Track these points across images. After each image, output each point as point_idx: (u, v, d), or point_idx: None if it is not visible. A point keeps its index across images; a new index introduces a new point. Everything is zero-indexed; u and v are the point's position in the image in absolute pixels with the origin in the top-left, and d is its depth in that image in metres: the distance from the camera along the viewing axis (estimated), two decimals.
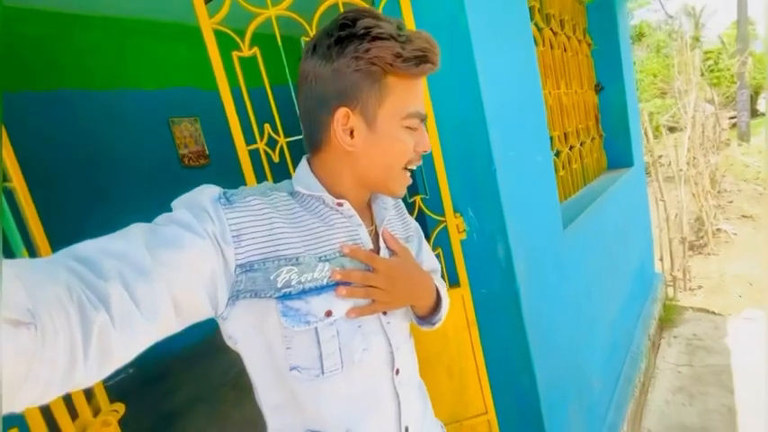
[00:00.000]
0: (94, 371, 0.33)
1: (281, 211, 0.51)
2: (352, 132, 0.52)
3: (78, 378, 0.32)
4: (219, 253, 0.45)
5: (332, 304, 0.51)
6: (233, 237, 0.46)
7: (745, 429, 1.95)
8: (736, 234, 4.50)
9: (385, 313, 0.58)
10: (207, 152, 4.14)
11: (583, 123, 2.43)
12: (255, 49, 1.10)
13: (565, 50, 2.21)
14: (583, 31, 2.55)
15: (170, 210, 0.46)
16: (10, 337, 0.26)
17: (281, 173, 1.29)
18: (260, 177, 1.13)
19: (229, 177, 3.53)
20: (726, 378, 2.33)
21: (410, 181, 0.58)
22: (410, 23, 1.11)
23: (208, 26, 1.05)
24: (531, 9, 1.86)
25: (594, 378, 1.74)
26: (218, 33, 1.06)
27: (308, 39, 1.10)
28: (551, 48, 2.00)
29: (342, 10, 1.11)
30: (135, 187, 3.43)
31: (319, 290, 0.50)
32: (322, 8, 1.11)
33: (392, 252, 0.61)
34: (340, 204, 0.55)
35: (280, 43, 1.12)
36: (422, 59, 0.49)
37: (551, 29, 2.02)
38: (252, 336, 0.51)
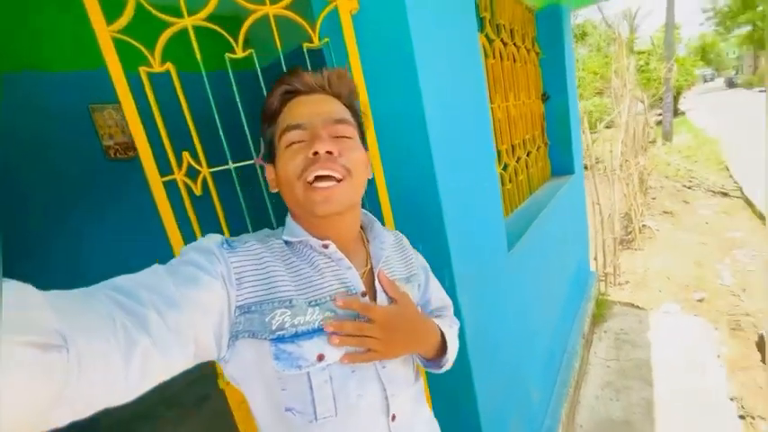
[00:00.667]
0: (134, 389, 0.36)
1: (277, 257, 0.54)
2: (273, 180, 0.61)
3: (119, 396, 0.34)
4: (226, 294, 0.48)
5: (323, 349, 0.52)
6: (236, 279, 0.49)
7: (662, 421, 2.16)
8: (659, 230, 4.96)
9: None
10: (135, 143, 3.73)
11: (530, 133, 2.47)
12: (168, 65, 0.93)
13: (514, 61, 2.21)
14: (532, 40, 2.57)
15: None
16: (35, 359, 0.27)
17: (205, 208, 1.14)
18: (179, 213, 0.99)
19: (163, 171, 3.18)
20: (646, 372, 2.57)
21: (328, 197, 0.54)
22: (350, 41, 1.01)
23: (105, 35, 0.87)
24: (482, 20, 1.81)
25: (533, 389, 1.81)
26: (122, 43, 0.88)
27: (232, 55, 0.97)
28: (501, 59, 1.98)
29: (272, 22, 0.98)
30: (52, 185, 3.00)
31: (311, 334, 0.51)
32: (249, 21, 0.96)
33: (390, 299, 0.61)
34: (325, 246, 0.57)
35: (199, 58, 0.96)
36: (280, 84, 0.58)
37: (502, 39, 2.00)
38: (251, 377, 0.52)
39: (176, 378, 0.47)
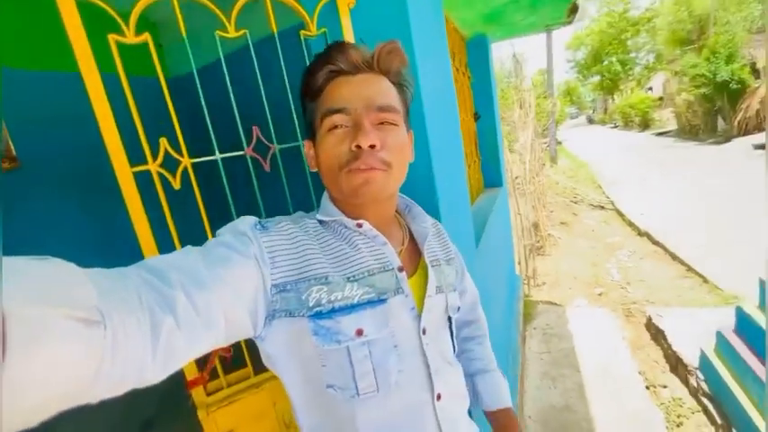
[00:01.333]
0: (160, 370, 0.35)
1: (311, 236, 0.55)
2: (312, 157, 0.60)
3: (148, 375, 0.34)
4: (260, 273, 0.48)
5: (362, 323, 0.51)
6: (269, 258, 0.49)
7: (593, 401, 2.44)
8: (560, 238, 5.74)
9: (425, 333, 0.57)
10: (14, 153, 3.03)
11: (467, 148, 2.69)
12: (146, 36, 0.80)
13: (455, 82, 2.41)
14: (465, 66, 2.84)
15: None
16: (78, 333, 0.27)
17: (184, 201, 0.98)
18: (151, 207, 0.83)
19: (49, 187, 2.61)
20: (573, 359, 2.89)
21: (368, 179, 0.53)
22: (348, 35, 0.99)
23: None
24: None
25: None
26: (85, 6, 0.73)
27: (224, 33, 0.87)
28: None
29: (269, 4, 0.92)
30: None
31: (349, 309, 0.51)
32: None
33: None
34: (359, 225, 0.57)
35: (183, 32, 0.84)
36: (324, 62, 0.55)
37: None
38: (289, 355, 0.52)
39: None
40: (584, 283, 4.35)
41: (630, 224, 6.03)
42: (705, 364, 2.44)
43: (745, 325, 2.24)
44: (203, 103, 0.88)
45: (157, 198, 0.84)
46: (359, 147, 0.52)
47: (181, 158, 0.86)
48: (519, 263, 4.03)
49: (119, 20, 0.77)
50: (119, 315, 0.31)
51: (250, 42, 0.89)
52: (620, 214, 6.65)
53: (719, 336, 2.39)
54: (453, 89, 1.45)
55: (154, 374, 0.35)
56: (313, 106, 0.57)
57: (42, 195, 2.57)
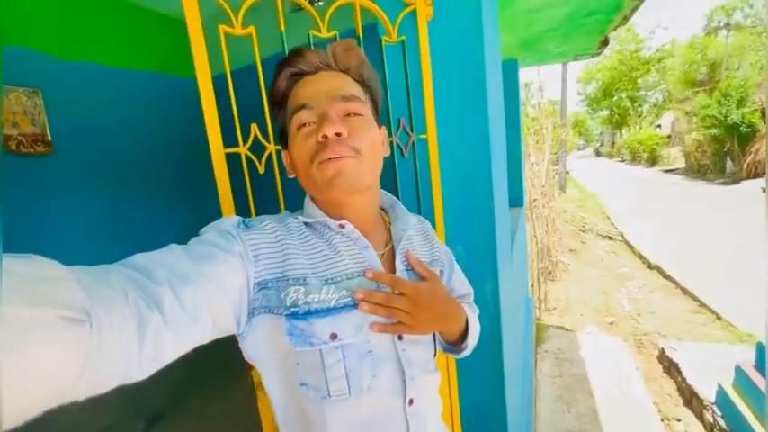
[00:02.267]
0: (146, 366, 0.35)
1: (294, 235, 0.55)
2: (289, 165, 0.61)
3: (133, 372, 0.34)
4: (244, 271, 0.48)
5: (337, 327, 0.51)
6: (253, 256, 0.49)
7: (607, 427, 2.41)
8: (569, 264, 5.75)
9: (401, 338, 0.57)
10: (49, 137, 3.10)
11: None
12: (251, 29, 0.86)
13: None
14: None
15: None
16: (66, 333, 0.27)
17: (266, 187, 1.03)
18: (237, 190, 0.88)
19: (81, 174, 2.67)
20: (586, 384, 2.87)
21: (339, 168, 0.53)
22: (424, 44, 1.06)
23: None
24: None
25: (517, 410, 1.89)
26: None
27: (317, 33, 0.93)
28: None
29: (357, 11, 0.99)
30: None
31: (325, 312, 0.51)
32: (336, 4, 0.95)
33: (420, 276, 0.61)
34: (342, 226, 0.56)
35: (282, 25, 0.90)
36: (283, 66, 0.57)
37: None
38: (267, 352, 0.52)
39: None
40: (594, 310, 4.33)
41: (640, 256, 6.04)
42: (723, 399, 2.42)
43: (766, 360, 2.23)
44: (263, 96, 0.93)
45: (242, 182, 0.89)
46: (325, 137, 0.52)
47: (268, 144, 0.91)
48: (532, 286, 4.03)
49: (230, 12, 0.83)
50: (104, 312, 0.31)
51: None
52: (629, 246, 6.66)
53: (739, 370, 2.37)
54: (503, 101, 1.51)
55: (140, 371, 0.35)
56: (283, 114, 0.59)
57: (73, 180, 2.63)
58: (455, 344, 0.69)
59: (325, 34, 0.94)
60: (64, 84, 2.79)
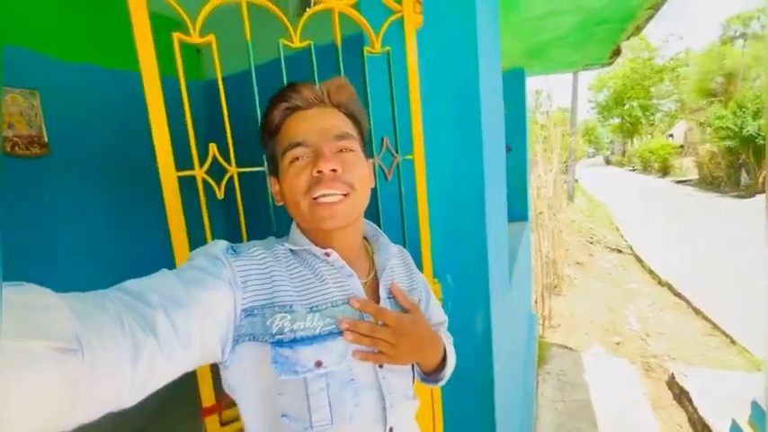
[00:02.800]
0: (138, 392, 0.36)
1: (281, 263, 0.55)
2: (278, 193, 0.61)
3: (125, 398, 0.35)
4: (232, 297, 0.48)
5: (322, 355, 0.51)
6: (241, 282, 0.50)
7: None
8: (576, 278, 5.57)
9: (381, 367, 0.57)
10: (45, 139, 3.05)
11: None
12: (211, 37, 0.76)
13: None
14: None
15: None
16: (56, 364, 0.28)
17: (222, 212, 0.94)
18: (191, 215, 0.78)
19: (78, 176, 2.60)
20: (590, 412, 2.71)
21: (333, 212, 0.55)
22: (411, 54, 0.95)
23: None
24: None
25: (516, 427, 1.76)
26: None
27: (288, 42, 0.83)
28: None
29: (335, 18, 0.89)
30: None
31: (311, 340, 0.51)
32: (313, 10, 0.85)
33: (402, 308, 0.62)
34: (327, 254, 0.57)
35: (248, 36, 0.80)
36: (279, 100, 0.58)
37: None
38: (250, 381, 0.52)
39: None
40: (600, 328, 4.16)
41: (650, 272, 5.83)
42: None
43: None
44: (257, 95, 0.83)
45: (194, 205, 0.79)
46: (320, 172, 0.53)
47: (228, 167, 0.81)
48: (535, 301, 3.88)
49: (186, 19, 0.73)
50: (98, 339, 0.31)
51: (313, 53, 0.85)
52: (639, 260, 6.45)
53: (755, 406, 2.20)
54: (503, 114, 1.40)
55: (131, 396, 0.36)
56: (273, 143, 0.60)
57: (69, 182, 2.57)
58: (432, 374, 0.70)
59: (297, 44, 0.84)
60: (62, 85, 2.74)
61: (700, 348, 3.64)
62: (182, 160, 0.77)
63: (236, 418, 0.87)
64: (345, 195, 0.55)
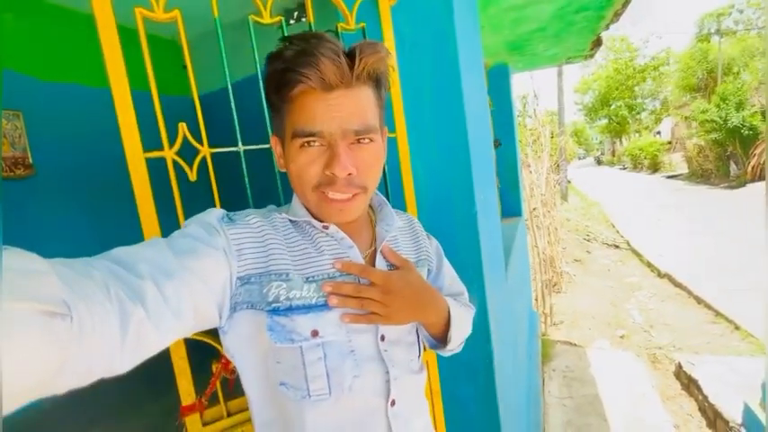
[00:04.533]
0: (128, 360, 0.36)
1: (279, 231, 0.54)
2: (281, 156, 0.56)
3: (116, 366, 0.35)
4: (227, 265, 0.47)
5: (318, 325, 0.50)
6: (236, 250, 0.49)
7: None
8: (575, 275, 5.53)
9: (383, 339, 0.56)
10: (30, 161, 3.00)
11: None
12: (176, 13, 0.74)
13: None
14: (486, 93, 2.83)
15: None
16: (44, 326, 0.28)
17: (198, 196, 0.90)
18: (162, 200, 0.74)
19: (64, 196, 2.55)
20: (598, 407, 2.64)
21: (342, 209, 0.52)
22: (387, 31, 0.94)
23: None
24: None
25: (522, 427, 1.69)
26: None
27: (258, 18, 0.81)
28: None
29: None
30: None
31: (306, 309, 0.50)
32: None
33: (392, 266, 0.59)
34: (326, 227, 0.55)
35: (215, 13, 0.78)
36: (293, 75, 0.47)
37: None
38: (247, 349, 0.52)
39: None
40: (603, 323, 4.10)
41: (649, 264, 5.81)
42: (750, 419, 2.19)
43: None
44: (232, 99, 0.80)
45: (166, 192, 0.75)
46: (333, 174, 0.49)
47: (200, 147, 0.77)
48: (536, 299, 3.83)
49: None
50: (85, 306, 0.31)
51: (284, 29, 0.83)
52: (637, 254, 6.44)
53: (766, 388, 2.15)
54: (486, 98, 1.38)
55: (122, 364, 0.35)
56: (282, 106, 0.51)
57: (55, 203, 2.52)
58: (440, 338, 0.65)
59: (267, 20, 0.82)
60: (46, 106, 2.71)
61: (704, 337, 3.59)
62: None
63: (220, 417, 0.82)
64: (356, 195, 0.52)
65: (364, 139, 0.51)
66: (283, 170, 0.57)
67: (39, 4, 2.39)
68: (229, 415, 0.83)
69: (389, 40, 0.94)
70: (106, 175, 2.67)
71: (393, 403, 0.56)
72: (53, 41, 2.53)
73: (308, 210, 0.56)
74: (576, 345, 3.55)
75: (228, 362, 0.82)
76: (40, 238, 2.33)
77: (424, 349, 0.68)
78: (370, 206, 0.66)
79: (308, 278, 0.52)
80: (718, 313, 3.91)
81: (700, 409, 2.67)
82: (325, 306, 0.51)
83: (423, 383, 0.64)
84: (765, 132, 9.86)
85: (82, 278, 0.33)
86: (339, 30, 0.91)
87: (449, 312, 0.63)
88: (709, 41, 18.62)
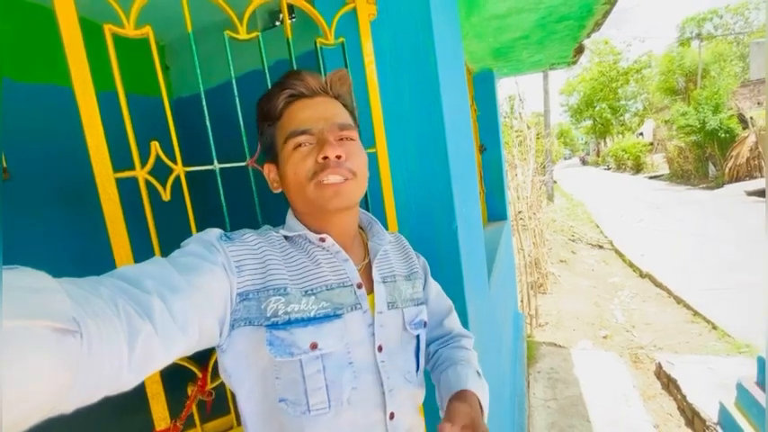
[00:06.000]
0: (135, 376, 0.36)
1: (275, 248, 0.56)
2: (276, 180, 0.62)
3: (121, 382, 0.34)
4: (228, 282, 0.49)
5: (317, 337, 0.51)
6: (236, 266, 0.50)
7: None
8: (560, 276, 5.62)
9: (380, 350, 0.57)
10: (4, 164, 2.90)
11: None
12: (147, 29, 0.72)
13: None
14: (471, 99, 2.85)
15: None
16: (56, 344, 0.28)
17: (172, 215, 0.88)
18: (133, 220, 0.72)
19: (41, 201, 2.48)
20: (582, 408, 2.69)
21: (338, 191, 0.56)
22: (367, 45, 0.93)
23: None
24: None
25: None
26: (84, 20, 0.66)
27: (233, 33, 0.80)
28: None
29: (284, 10, 0.86)
30: None
31: (305, 322, 0.51)
32: (257, 3, 0.82)
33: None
34: (322, 240, 0.58)
35: (189, 26, 0.76)
36: (283, 87, 0.58)
37: None
38: (245, 367, 0.52)
39: None
40: (587, 324, 4.18)
41: (631, 265, 5.95)
42: (726, 419, 2.26)
43: (766, 376, 2.08)
44: (206, 113, 0.79)
45: (141, 211, 0.73)
46: (326, 158, 0.55)
47: (174, 166, 0.76)
48: (521, 300, 3.87)
49: (119, 11, 0.69)
50: (94, 323, 0.31)
51: (262, 44, 0.82)
52: (620, 254, 6.58)
53: (740, 388, 2.22)
54: (468, 108, 1.39)
55: (128, 381, 0.35)
56: (272, 130, 0.60)
57: (31, 209, 2.44)
58: None
59: (244, 36, 0.80)
60: (20, 107, 2.62)
61: (684, 336, 3.69)
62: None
63: None
64: (348, 180, 0.57)
65: (348, 137, 0.59)
66: (278, 191, 0.63)
67: (11, 1, 2.31)
68: None
69: (369, 55, 0.94)
70: (83, 174, 2.60)
71: (392, 416, 0.57)
72: (27, 41, 2.45)
73: (303, 224, 0.60)
74: (560, 346, 3.60)
75: (205, 383, 0.81)
76: (21, 243, 2.25)
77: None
78: (360, 226, 0.70)
79: (306, 291, 0.53)
80: (696, 313, 4.02)
81: (679, 408, 2.74)
82: (324, 318, 0.52)
83: (421, 399, 0.65)
84: (767, 133, 10.11)
85: (90, 295, 0.33)
86: (318, 45, 0.90)
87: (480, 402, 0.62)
88: (689, 46, 19.16)
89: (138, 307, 0.37)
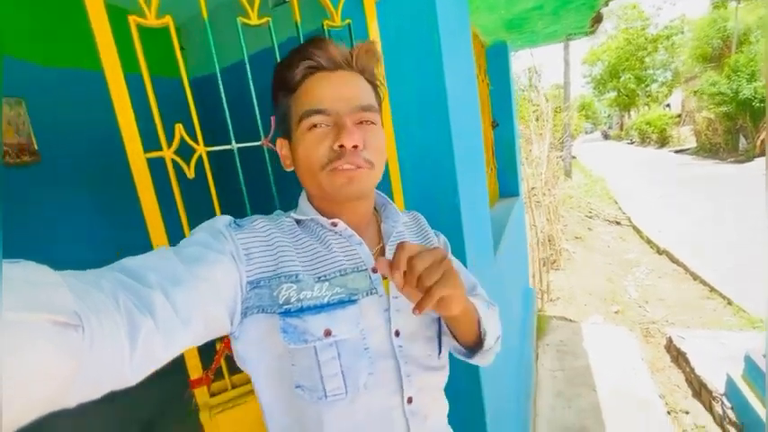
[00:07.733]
0: (137, 372, 0.35)
1: (286, 234, 0.54)
2: (287, 157, 0.58)
3: (125, 378, 0.34)
4: (236, 270, 0.48)
5: (331, 324, 0.50)
6: (245, 255, 0.49)
7: (610, 422, 2.32)
8: (574, 252, 5.60)
9: (398, 335, 0.55)
10: (36, 147, 3.05)
11: (485, 156, 2.63)
12: (168, 19, 0.78)
13: None
14: (484, 73, 2.81)
15: None
16: (59, 337, 0.28)
17: (198, 193, 0.96)
18: (163, 196, 0.80)
19: (70, 183, 2.60)
20: (588, 378, 2.77)
21: (351, 178, 0.52)
22: (372, 27, 0.96)
23: None
24: None
25: (512, 406, 1.81)
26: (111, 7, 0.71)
27: (246, 20, 0.85)
28: None
29: None
30: None
31: (319, 308, 0.50)
32: None
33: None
34: (334, 224, 0.56)
35: (204, 14, 0.82)
36: (301, 56, 0.53)
37: None
38: (261, 353, 0.51)
39: None
40: (599, 299, 4.20)
41: (648, 241, 5.86)
42: (732, 390, 2.30)
43: None
44: (223, 95, 0.85)
45: (169, 189, 0.81)
46: (342, 146, 0.51)
47: (196, 146, 0.83)
48: (533, 276, 3.92)
49: (141, 2, 0.75)
50: (96, 318, 0.31)
51: (272, 30, 0.87)
52: (637, 231, 6.47)
53: (748, 360, 2.25)
54: (476, 88, 1.41)
55: (131, 376, 0.35)
56: (288, 102, 0.55)
57: (60, 190, 2.59)
58: (471, 346, 0.61)
59: (255, 21, 0.85)
60: (49, 91, 2.73)
61: (698, 312, 3.68)
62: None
63: (225, 389, 0.91)
64: (363, 168, 0.53)
65: (368, 120, 0.54)
66: (290, 169, 0.59)
67: None
68: (234, 387, 0.93)
69: (375, 36, 0.97)
70: (111, 156, 2.73)
71: (410, 401, 0.55)
72: (53, 26, 2.53)
73: (315, 207, 0.57)
74: (570, 320, 3.66)
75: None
76: (49, 224, 2.41)
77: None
78: (375, 207, 0.66)
79: (319, 277, 0.52)
80: (713, 289, 3.98)
81: (686, 380, 2.79)
82: (337, 305, 0.51)
83: (442, 381, 0.63)
84: (767, 105, 9.60)
85: (92, 289, 0.33)
86: (325, 27, 0.94)
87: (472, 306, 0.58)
88: (725, 8, 17.80)
89: (138, 302, 0.36)
